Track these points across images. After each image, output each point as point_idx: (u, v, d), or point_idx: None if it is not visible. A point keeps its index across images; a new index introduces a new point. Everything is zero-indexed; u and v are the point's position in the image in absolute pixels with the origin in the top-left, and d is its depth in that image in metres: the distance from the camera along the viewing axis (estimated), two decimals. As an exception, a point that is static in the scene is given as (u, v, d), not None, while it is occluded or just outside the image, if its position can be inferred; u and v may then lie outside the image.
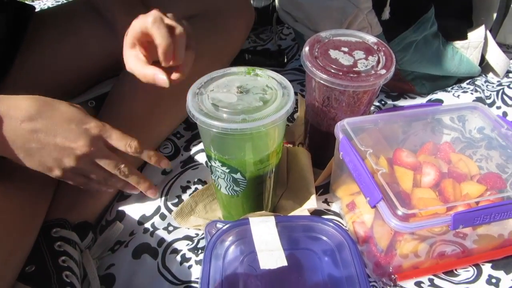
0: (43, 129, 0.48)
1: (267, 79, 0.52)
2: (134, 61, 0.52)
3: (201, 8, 0.74)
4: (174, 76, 0.52)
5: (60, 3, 1.38)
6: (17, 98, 0.48)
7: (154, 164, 0.56)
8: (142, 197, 0.63)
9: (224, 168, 0.51)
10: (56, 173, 0.51)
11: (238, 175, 0.52)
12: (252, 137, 0.48)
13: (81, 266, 0.52)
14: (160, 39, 0.49)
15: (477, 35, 0.84)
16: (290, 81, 0.88)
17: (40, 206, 0.55)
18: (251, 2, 1.05)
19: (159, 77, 0.51)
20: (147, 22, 0.49)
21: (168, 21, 0.50)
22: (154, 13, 0.49)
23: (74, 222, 0.55)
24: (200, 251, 0.56)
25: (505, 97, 0.82)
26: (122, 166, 0.53)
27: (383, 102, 0.83)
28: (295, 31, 0.94)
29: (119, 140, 0.52)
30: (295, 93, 0.85)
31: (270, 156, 0.52)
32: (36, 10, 0.73)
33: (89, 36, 0.73)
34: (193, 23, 0.70)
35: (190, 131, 0.75)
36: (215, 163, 0.52)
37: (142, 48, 0.52)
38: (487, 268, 0.54)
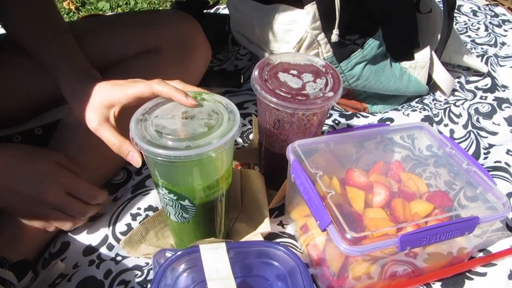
0: (18, 179, 0.53)
1: (213, 103, 0.51)
2: (113, 134, 0.52)
3: (154, 45, 0.72)
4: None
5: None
6: (2, 145, 0.54)
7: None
8: (89, 226, 0.60)
9: (171, 196, 0.50)
10: (22, 215, 0.55)
11: (186, 202, 0.50)
12: (198, 163, 0.47)
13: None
14: (170, 90, 0.51)
15: (423, 55, 0.87)
16: (246, 101, 0.90)
17: None
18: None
19: (133, 156, 0.52)
20: (152, 87, 0.51)
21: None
22: (151, 81, 0.52)
23: (12, 260, 0.52)
24: (149, 283, 0.54)
25: (451, 114, 0.86)
26: (85, 215, 0.58)
27: (336, 122, 0.84)
28: (250, 52, 0.95)
29: (85, 194, 0.57)
30: (250, 114, 0.86)
31: (219, 181, 0.51)
32: None
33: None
34: (149, 57, 0.69)
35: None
36: (162, 190, 0.50)
37: (114, 120, 0.54)
38: (437, 287, 0.55)
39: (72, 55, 0.61)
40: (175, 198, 0.50)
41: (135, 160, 0.52)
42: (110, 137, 0.52)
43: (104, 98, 0.53)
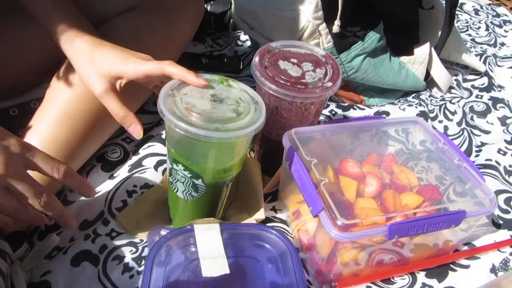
0: None
1: (239, 92, 0.52)
2: (118, 104, 0.53)
3: (139, 0, 0.69)
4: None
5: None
6: None
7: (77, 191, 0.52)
8: (85, 203, 0.61)
9: (186, 173, 0.51)
10: None
11: (199, 181, 0.52)
12: (222, 146, 0.48)
13: (9, 279, 0.48)
14: (181, 72, 0.51)
15: (422, 51, 0.88)
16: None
17: None
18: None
19: (136, 128, 0.53)
20: (163, 68, 0.51)
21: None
22: (163, 62, 0.52)
23: (7, 231, 0.52)
24: (143, 259, 0.55)
25: (447, 111, 0.87)
26: (44, 194, 0.46)
27: (333, 112, 0.85)
28: (250, 39, 0.95)
29: (45, 162, 0.46)
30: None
31: (233, 166, 0.52)
32: None
33: (27, 31, 0.67)
34: (133, 15, 0.67)
35: (141, 135, 0.74)
36: (177, 166, 0.51)
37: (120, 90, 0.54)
38: (421, 277, 0.56)
39: (77, 16, 0.58)
40: (189, 175, 0.51)
41: (137, 132, 0.53)
42: (115, 107, 0.53)
43: (113, 68, 0.52)
